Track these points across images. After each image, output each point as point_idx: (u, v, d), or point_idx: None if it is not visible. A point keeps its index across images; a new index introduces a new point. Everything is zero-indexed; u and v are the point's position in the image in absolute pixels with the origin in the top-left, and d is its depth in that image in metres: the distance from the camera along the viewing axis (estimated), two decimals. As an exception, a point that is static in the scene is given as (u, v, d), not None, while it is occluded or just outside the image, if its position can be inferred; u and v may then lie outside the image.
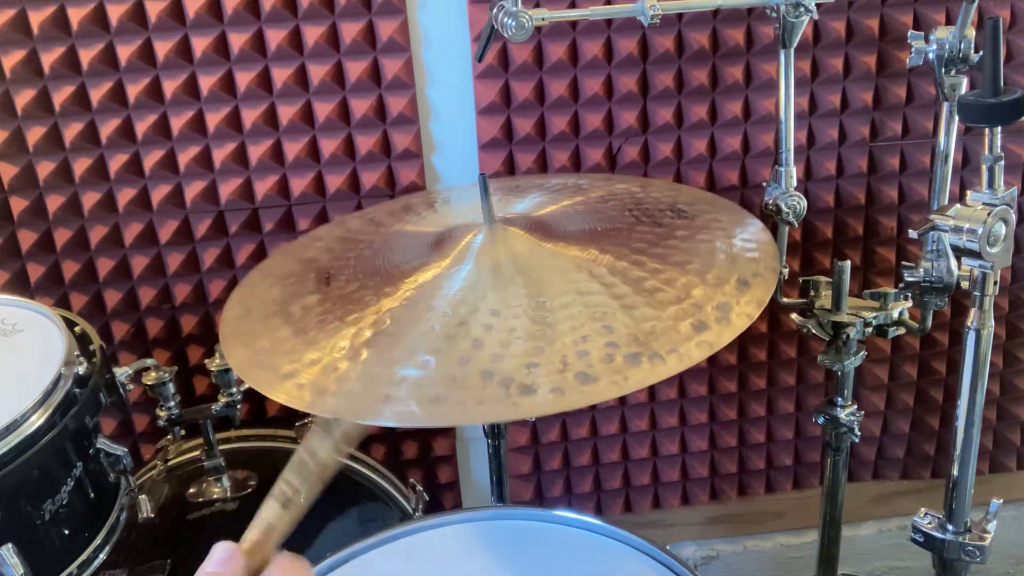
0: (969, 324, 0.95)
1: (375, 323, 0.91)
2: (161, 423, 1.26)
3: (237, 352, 0.96)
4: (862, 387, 1.57)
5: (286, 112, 1.32)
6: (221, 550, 0.62)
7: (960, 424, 1.00)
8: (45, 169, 1.31)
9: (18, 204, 1.32)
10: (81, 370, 0.97)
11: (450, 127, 1.38)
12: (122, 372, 1.11)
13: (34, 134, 1.29)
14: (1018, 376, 1.57)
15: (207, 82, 1.29)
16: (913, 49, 1.03)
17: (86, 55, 1.26)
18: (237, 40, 1.27)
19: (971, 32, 1.00)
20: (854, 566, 1.75)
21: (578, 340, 0.84)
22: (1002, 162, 0.88)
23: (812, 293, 1.21)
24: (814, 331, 1.19)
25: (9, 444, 0.88)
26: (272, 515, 0.64)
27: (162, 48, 1.26)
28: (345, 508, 1.28)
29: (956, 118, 1.07)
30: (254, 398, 1.41)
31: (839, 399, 1.23)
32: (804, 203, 1.16)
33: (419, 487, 1.32)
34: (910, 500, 1.69)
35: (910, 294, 1.13)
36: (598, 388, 0.79)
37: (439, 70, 1.34)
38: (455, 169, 1.40)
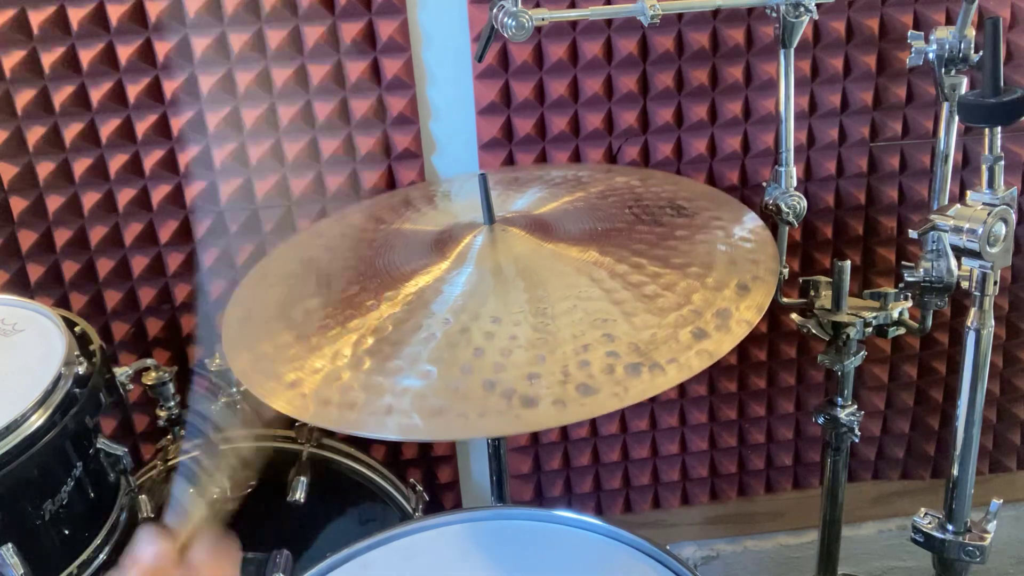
0: (969, 324, 0.95)
1: (376, 329, 0.91)
2: (161, 423, 1.26)
3: (240, 357, 0.96)
4: (862, 387, 1.57)
5: (286, 112, 1.32)
6: (147, 537, 0.64)
7: (960, 424, 1.00)
8: (45, 169, 1.31)
9: (18, 204, 1.32)
10: (81, 370, 0.97)
11: (450, 127, 1.38)
12: (122, 372, 1.11)
13: (34, 134, 1.29)
14: (1018, 376, 1.57)
15: (207, 82, 1.29)
16: (913, 49, 1.03)
17: (86, 55, 1.26)
18: (237, 40, 1.27)
19: (971, 32, 1.00)
20: (854, 566, 1.75)
21: (579, 349, 0.84)
22: (1002, 162, 0.88)
23: (812, 293, 1.21)
24: (814, 331, 1.19)
25: (9, 444, 0.88)
26: (192, 505, 0.67)
27: (162, 48, 1.26)
28: (345, 508, 1.28)
29: (956, 118, 1.07)
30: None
31: (839, 399, 1.23)
32: (804, 203, 1.16)
33: (419, 487, 1.32)
34: (910, 500, 1.68)
35: (910, 294, 1.13)
36: (599, 400, 0.80)
37: (439, 70, 1.34)
38: (455, 169, 1.40)
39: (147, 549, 0.63)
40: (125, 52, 1.26)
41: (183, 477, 0.66)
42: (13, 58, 1.24)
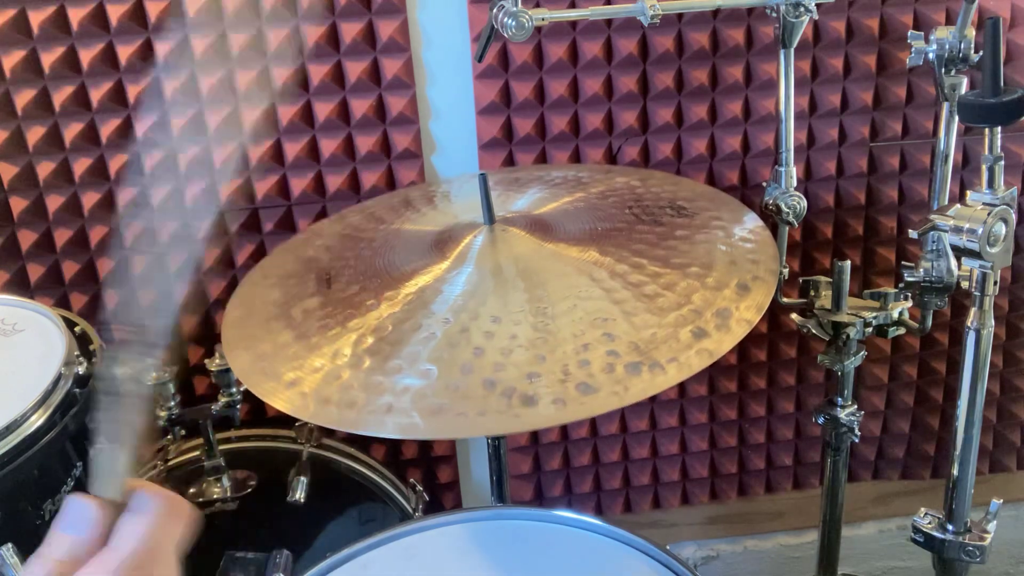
0: (969, 324, 0.95)
1: (376, 329, 0.91)
2: (161, 423, 1.26)
3: (239, 357, 0.96)
4: (862, 387, 1.57)
5: (286, 112, 1.32)
6: (76, 507, 0.53)
7: (960, 424, 1.00)
8: (45, 169, 1.31)
9: (18, 204, 1.32)
10: (81, 370, 0.98)
11: (450, 127, 1.38)
12: (122, 372, 1.11)
13: (34, 134, 1.29)
14: (1018, 376, 1.57)
15: (207, 82, 1.29)
16: (913, 49, 1.03)
17: (86, 55, 1.26)
18: (237, 40, 1.27)
19: (971, 32, 1.00)
20: (854, 566, 1.75)
21: (579, 348, 0.84)
22: (1002, 162, 0.88)
23: (812, 293, 1.21)
24: (814, 331, 1.19)
25: (9, 444, 0.88)
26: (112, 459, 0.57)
27: (162, 48, 1.26)
28: (345, 508, 1.28)
29: (956, 118, 1.07)
30: (254, 398, 1.40)
31: (839, 399, 1.23)
32: (804, 203, 1.16)
33: (419, 487, 1.32)
34: (910, 500, 1.68)
35: (910, 294, 1.13)
36: (599, 399, 0.80)
37: (439, 70, 1.34)
38: (455, 169, 1.40)
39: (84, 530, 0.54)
40: (125, 52, 1.26)
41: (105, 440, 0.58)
42: (13, 58, 1.24)
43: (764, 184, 1.19)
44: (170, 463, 1.31)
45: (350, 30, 1.28)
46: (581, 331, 0.86)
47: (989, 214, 0.87)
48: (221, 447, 1.28)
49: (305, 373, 0.89)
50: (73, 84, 1.27)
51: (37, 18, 1.23)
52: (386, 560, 0.97)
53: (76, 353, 0.99)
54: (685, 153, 1.40)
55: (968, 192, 0.90)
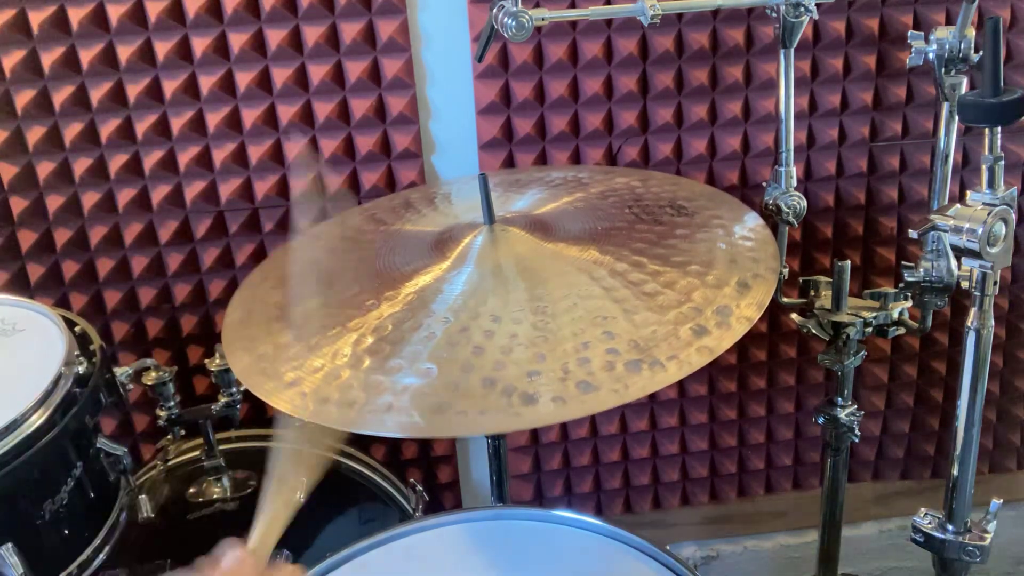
0: (969, 324, 0.95)
1: (376, 328, 0.91)
2: (161, 423, 1.26)
3: (240, 358, 0.96)
4: (862, 387, 1.57)
5: (286, 112, 1.32)
6: (232, 553, 0.66)
7: (960, 424, 1.00)
8: (45, 169, 1.31)
9: (18, 204, 1.32)
10: (81, 370, 0.97)
11: (450, 127, 1.38)
12: (122, 372, 1.11)
13: (34, 134, 1.29)
14: (1018, 376, 1.57)
15: (207, 82, 1.29)
16: (913, 49, 1.03)
17: (86, 55, 1.26)
18: (237, 40, 1.27)
19: (971, 32, 1.00)
20: (854, 566, 1.75)
21: (579, 347, 0.85)
22: (1002, 162, 0.88)
23: (812, 293, 1.21)
24: (814, 331, 1.19)
25: (9, 444, 0.88)
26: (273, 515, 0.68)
27: (162, 48, 1.26)
28: (345, 508, 1.28)
29: (956, 118, 1.07)
30: (254, 398, 1.40)
31: (839, 399, 1.23)
32: (804, 203, 1.16)
33: (419, 487, 1.32)
34: (910, 500, 1.68)
35: (910, 294, 1.13)
36: (599, 397, 0.80)
37: (439, 70, 1.34)
38: (455, 169, 1.40)
39: (229, 555, 0.66)
40: (125, 52, 1.26)
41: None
42: (13, 58, 1.24)
43: (764, 184, 1.19)
44: (170, 463, 1.31)
45: (350, 30, 1.28)
46: (581, 329, 0.86)
47: (989, 214, 0.87)
48: (221, 447, 1.28)
49: (305, 373, 0.89)
50: (73, 84, 1.27)
51: (37, 18, 1.23)
52: (386, 560, 0.97)
53: (76, 353, 0.99)
54: (685, 153, 1.40)
55: (968, 192, 0.89)
